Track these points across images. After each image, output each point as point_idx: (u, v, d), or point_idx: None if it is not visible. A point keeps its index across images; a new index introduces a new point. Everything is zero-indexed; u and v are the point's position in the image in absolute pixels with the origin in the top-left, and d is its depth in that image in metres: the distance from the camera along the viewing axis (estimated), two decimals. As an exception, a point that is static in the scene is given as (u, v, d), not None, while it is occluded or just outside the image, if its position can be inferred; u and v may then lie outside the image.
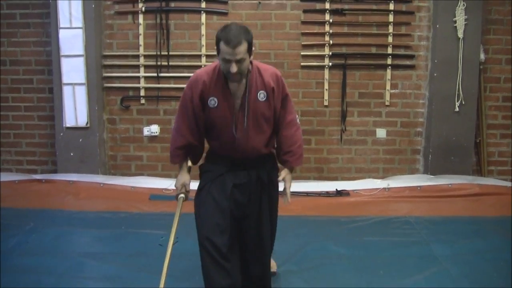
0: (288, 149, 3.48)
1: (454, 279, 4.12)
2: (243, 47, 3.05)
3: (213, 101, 3.24)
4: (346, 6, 6.66)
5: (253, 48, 3.21)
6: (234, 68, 3.07)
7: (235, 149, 3.36)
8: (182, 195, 3.54)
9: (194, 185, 6.21)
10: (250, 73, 3.28)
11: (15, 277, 4.11)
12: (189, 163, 3.66)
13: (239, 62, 3.07)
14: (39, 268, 4.31)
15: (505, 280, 4.10)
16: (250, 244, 3.56)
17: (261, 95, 3.28)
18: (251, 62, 3.26)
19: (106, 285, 4.04)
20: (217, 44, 3.09)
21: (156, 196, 6.29)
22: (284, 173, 3.48)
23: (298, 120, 3.55)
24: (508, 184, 6.44)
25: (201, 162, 3.66)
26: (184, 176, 3.54)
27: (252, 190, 3.45)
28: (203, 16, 6.73)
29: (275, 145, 3.58)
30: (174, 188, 3.59)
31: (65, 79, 6.64)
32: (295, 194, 6.03)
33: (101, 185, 6.46)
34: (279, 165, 3.61)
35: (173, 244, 4.65)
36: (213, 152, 3.51)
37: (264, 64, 3.41)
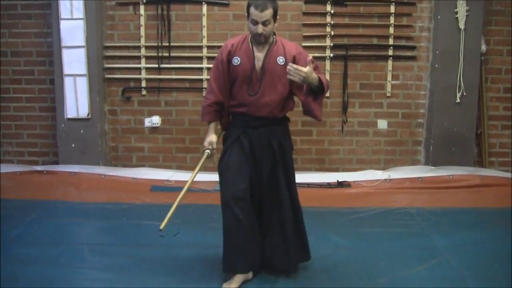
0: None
1: (454, 270, 4.13)
2: (269, 11, 3.55)
3: (236, 60, 3.74)
4: (347, -3, 6.70)
5: (277, 17, 3.68)
6: (259, 29, 3.58)
7: (250, 105, 3.75)
8: (208, 151, 3.85)
9: (186, 176, 6.28)
10: (274, 42, 3.77)
11: (18, 267, 4.14)
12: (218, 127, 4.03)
13: (264, 24, 3.57)
14: (41, 258, 4.34)
15: (505, 270, 4.12)
16: (267, 209, 3.93)
17: (280, 60, 3.72)
18: (275, 34, 3.78)
19: (108, 275, 4.06)
20: (248, 8, 3.61)
21: (157, 187, 6.31)
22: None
23: (328, 81, 3.79)
24: (508, 175, 6.45)
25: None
26: (211, 136, 3.90)
27: (263, 154, 3.82)
28: (204, 7, 6.76)
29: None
30: (204, 144, 3.91)
31: (66, 70, 6.69)
32: (297, 185, 6.11)
33: (103, 176, 6.51)
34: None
35: (175, 235, 4.74)
36: (232, 115, 3.92)
37: (289, 41, 3.94)
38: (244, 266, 3.82)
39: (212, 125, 3.93)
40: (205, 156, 3.84)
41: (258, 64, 3.74)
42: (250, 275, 3.88)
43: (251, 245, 3.85)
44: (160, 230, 3.53)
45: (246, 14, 3.68)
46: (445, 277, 4.04)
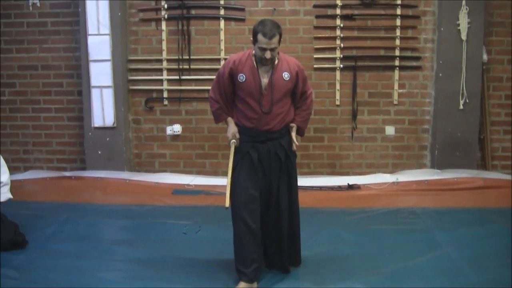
0: (300, 112, 4.13)
1: (454, 261, 4.34)
2: (276, 38, 3.75)
3: (242, 77, 3.88)
4: (356, 12, 6.95)
5: (281, 39, 3.85)
6: (268, 55, 3.75)
7: (260, 120, 3.91)
8: (234, 141, 3.96)
9: (206, 181, 6.48)
10: (278, 59, 3.92)
11: (55, 261, 4.44)
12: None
13: (272, 50, 3.75)
14: (74, 252, 4.64)
15: (503, 261, 4.32)
16: (268, 218, 4.08)
17: (285, 75, 3.91)
18: (278, 53, 3.91)
19: (137, 266, 4.34)
20: (255, 35, 3.77)
21: (179, 191, 6.57)
22: (292, 125, 4.11)
23: (312, 94, 4.27)
24: (510, 177, 6.61)
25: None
26: (233, 127, 4.02)
27: (271, 165, 3.98)
28: (222, 23, 7.07)
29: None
30: (228, 135, 4.03)
31: (93, 82, 6.98)
32: (309, 188, 6.39)
33: (127, 181, 6.78)
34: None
35: (197, 232, 5.07)
36: (240, 131, 4.01)
37: (288, 56, 4.09)
38: (251, 275, 3.90)
39: (230, 119, 4.06)
40: (233, 146, 3.95)
41: (264, 81, 3.88)
42: (254, 285, 3.93)
43: (259, 252, 4.01)
44: (226, 208, 3.68)
45: (252, 38, 3.82)
46: (445, 267, 4.24)
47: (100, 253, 4.66)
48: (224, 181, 6.12)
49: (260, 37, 3.71)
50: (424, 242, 4.84)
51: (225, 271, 4.17)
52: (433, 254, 4.52)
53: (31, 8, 7.25)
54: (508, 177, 6.69)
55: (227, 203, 3.67)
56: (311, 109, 4.24)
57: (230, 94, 4.00)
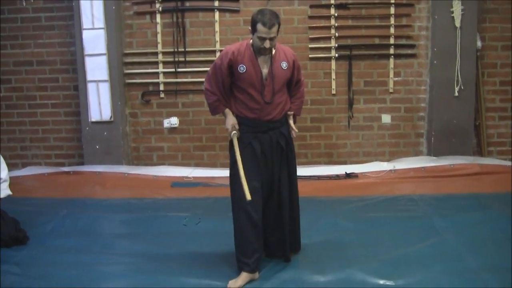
0: (295, 100, 4.19)
1: (452, 247, 4.38)
2: (275, 28, 3.74)
3: (242, 68, 3.85)
4: (350, 1, 6.97)
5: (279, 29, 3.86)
6: (268, 44, 3.75)
7: (263, 110, 3.93)
8: (235, 131, 3.95)
9: (204, 173, 6.62)
10: (275, 49, 3.93)
11: (56, 256, 4.45)
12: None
13: (271, 39, 3.75)
14: (76, 247, 4.65)
15: (501, 246, 4.37)
16: (270, 206, 4.12)
17: (284, 65, 3.95)
18: None
19: (138, 260, 4.35)
20: (254, 25, 3.76)
21: (178, 183, 6.59)
22: (290, 113, 4.17)
23: (304, 88, 4.31)
24: (506, 163, 6.69)
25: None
26: (232, 119, 4.00)
27: (273, 154, 4.02)
28: (217, 14, 7.07)
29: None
30: (227, 127, 4.01)
31: (89, 77, 6.99)
32: (307, 178, 6.44)
33: (126, 174, 6.79)
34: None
35: (197, 223, 5.10)
36: (241, 122, 4.00)
37: (283, 45, 4.11)
38: (253, 265, 3.92)
39: (228, 110, 4.02)
40: (235, 138, 3.93)
41: (264, 71, 3.89)
42: (256, 275, 3.96)
43: (260, 243, 4.04)
44: (248, 200, 3.67)
45: (250, 28, 3.81)
46: (443, 253, 4.28)
47: (101, 247, 4.67)
48: (223, 173, 6.30)
49: (259, 26, 3.71)
50: (423, 229, 4.86)
51: (226, 262, 4.19)
52: (432, 240, 4.55)
53: (24, 3, 7.24)
54: (504, 162, 6.75)
55: (248, 196, 3.67)
56: (304, 96, 4.31)
57: (228, 85, 3.97)
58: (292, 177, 4.18)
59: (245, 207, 3.87)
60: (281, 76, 3.95)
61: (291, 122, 4.14)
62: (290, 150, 4.15)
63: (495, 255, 4.22)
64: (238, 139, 3.97)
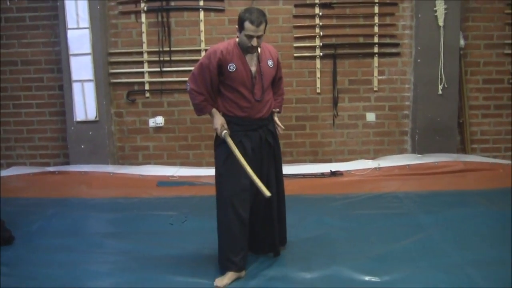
0: (277, 97, 4.28)
1: (437, 242, 4.45)
2: (263, 26, 3.79)
3: (232, 66, 3.85)
4: (334, 0, 6.99)
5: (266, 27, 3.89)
6: (255, 42, 3.79)
7: (253, 108, 3.95)
8: (225, 130, 3.90)
9: (190, 172, 6.62)
10: (260, 48, 3.96)
11: (43, 255, 4.43)
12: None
13: (259, 37, 3.79)
14: (63, 246, 4.64)
15: (485, 241, 4.45)
16: (258, 203, 4.09)
17: (270, 63, 4.02)
18: None
19: (126, 257, 4.35)
20: (242, 23, 3.78)
21: (163, 182, 6.60)
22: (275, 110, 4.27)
23: (283, 87, 4.42)
24: (490, 160, 6.77)
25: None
26: (219, 118, 3.96)
27: (263, 152, 4.04)
28: (202, 14, 7.08)
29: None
30: (216, 127, 3.96)
31: (74, 76, 6.96)
32: (293, 176, 6.46)
33: (111, 174, 6.78)
34: None
35: (183, 222, 5.11)
36: (230, 120, 3.98)
37: (266, 43, 4.13)
38: (240, 263, 3.92)
39: (215, 110, 3.97)
40: (227, 136, 3.87)
41: (253, 69, 3.91)
42: (243, 273, 3.95)
43: (246, 241, 4.01)
44: (268, 196, 3.66)
45: (237, 26, 3.81)
46: (429, 249, 4.33)
47: (88, 246, 4.66)
48: (208, 172, 6.31)
49: (247, 24, 3.73)
50: (408, 225, 4.91)
51: (213, 260, 4.18)
52: (417, 237, 4.60)
53: (8, 3, 7.19)
54: (487, 160, 6.83)
55: (267, 192, 3.67)
56: (284, 93, 4.41)
57: (216, 85, 3.94)
58: (279, 172, 4.23)
59: (234, 204, 3.88)
60: (269, 74, 4.01)
61: (276, 119, 4.20)
62: (277, 147, 4.19)
63: (479, 251, 4.28)
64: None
